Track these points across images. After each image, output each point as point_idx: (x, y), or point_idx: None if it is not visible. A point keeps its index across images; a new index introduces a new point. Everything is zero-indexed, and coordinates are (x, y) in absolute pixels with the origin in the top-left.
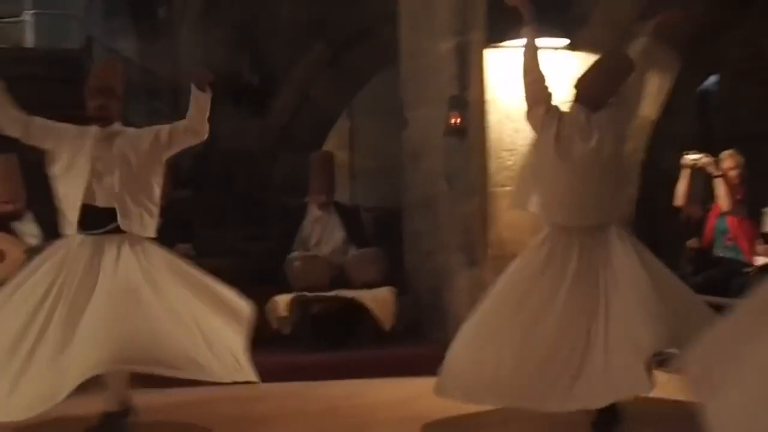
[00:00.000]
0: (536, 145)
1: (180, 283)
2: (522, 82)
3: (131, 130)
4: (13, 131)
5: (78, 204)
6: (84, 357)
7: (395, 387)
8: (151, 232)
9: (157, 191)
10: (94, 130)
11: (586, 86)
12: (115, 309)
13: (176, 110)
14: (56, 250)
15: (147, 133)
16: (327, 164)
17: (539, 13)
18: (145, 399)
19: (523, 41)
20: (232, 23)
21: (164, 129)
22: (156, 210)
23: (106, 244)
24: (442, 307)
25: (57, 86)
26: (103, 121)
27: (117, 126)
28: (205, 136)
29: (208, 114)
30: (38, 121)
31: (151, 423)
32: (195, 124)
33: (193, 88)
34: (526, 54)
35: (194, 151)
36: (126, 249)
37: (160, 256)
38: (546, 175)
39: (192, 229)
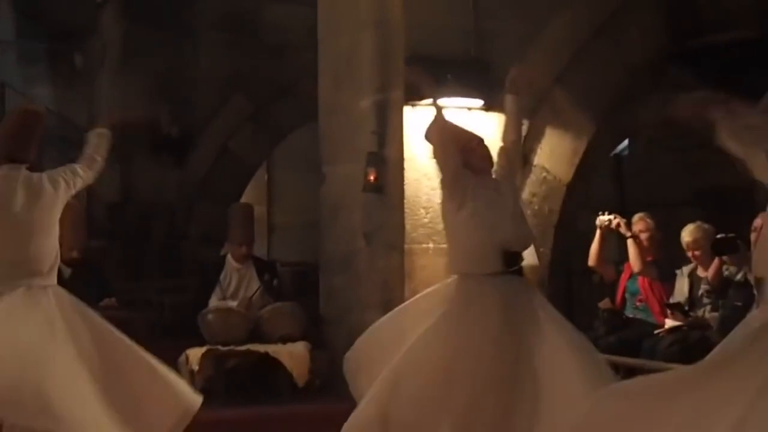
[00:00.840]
0: None
1: None
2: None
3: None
4: None
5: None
6: None
7: None
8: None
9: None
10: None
11: None
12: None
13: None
14: None
15: (52, 181)
16: (246, 216)
17: (457, 72)
18: None
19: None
20: (151, 73)
21: (62, 176)
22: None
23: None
24: None
25: None
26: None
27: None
28: (91, 178)
29: (102, 155)
30: None
31: None
32: (87, 163)
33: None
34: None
35: (109, 200)
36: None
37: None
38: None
39: (105, 280)
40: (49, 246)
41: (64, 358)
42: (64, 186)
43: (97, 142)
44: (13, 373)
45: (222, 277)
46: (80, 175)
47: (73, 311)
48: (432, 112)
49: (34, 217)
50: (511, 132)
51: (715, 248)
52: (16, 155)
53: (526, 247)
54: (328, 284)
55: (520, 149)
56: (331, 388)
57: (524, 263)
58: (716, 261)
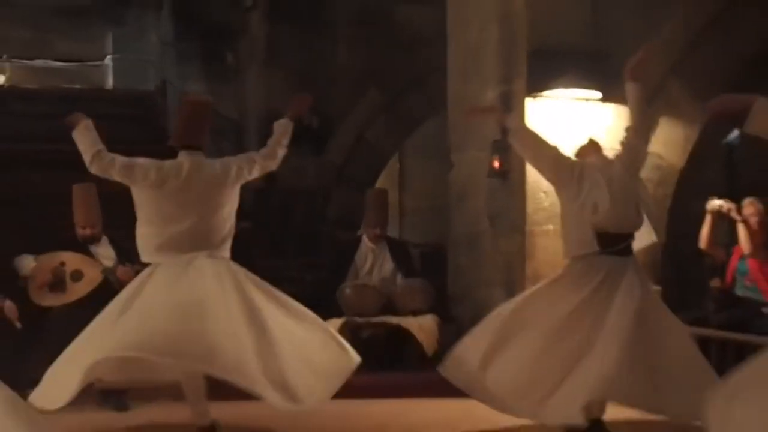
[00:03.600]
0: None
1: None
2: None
3: (214, 161)
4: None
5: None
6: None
7: (439, 407)
8: (226, 253)
9: (231, 217)
10: (185, 159)
11: None
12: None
13: (239, 149)
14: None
15: (224, 165)
16: (381, 200)
17: (575, 64)
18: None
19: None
20: (294, 68)
21: (236, 162)
22: (228, 234)
23: (194, 261)
24: None
25: (133, 124)
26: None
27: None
28: (276, 164)
29: (286, 144)
30: (135, 163)
31: None
32: (271, 151)
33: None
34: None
35: (255, 186)
36: (207, 265)
37: (241, 272)
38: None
39: (252, 258)
40: (219, 221)
41: (228, 313)
42: (235, 171)
43: (282, 133)
44: (180, 326)
45: (357, 256)
46: (258, 162)
47: (245, 276)
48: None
49: (205, 196)
50: (631, 118)
51: None
52: (191, 142)
53: (627, 229)
54: (455, 263)
55: (641, 135)
56: None
57: (642, 244)
58: None
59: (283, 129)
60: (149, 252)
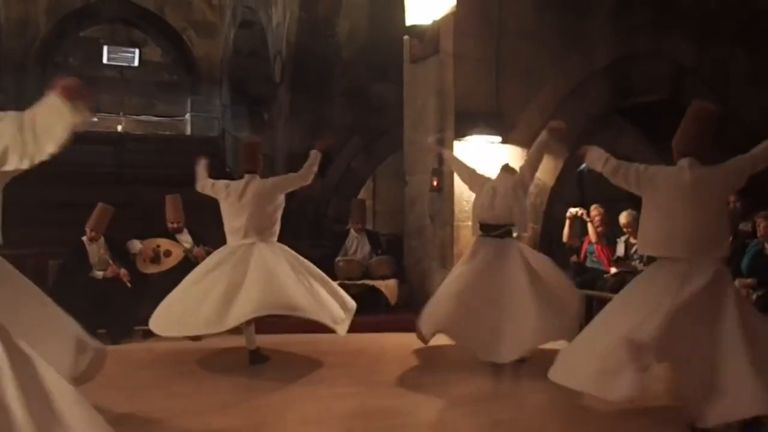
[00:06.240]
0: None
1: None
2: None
3: (266, 179)
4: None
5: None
6: (245, 305)
7: (399, 337)
8: (274, 237)
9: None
10: (246, 179)
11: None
12: (261, 278)
13: (272, 174)
14: (228, 251)
15: (272, 182)
16: (361, 206)
17: (484, 120)
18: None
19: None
20: (306, 123)
21: (280, 180)
22: (275, 227)
23: (254, 247)
24: (425, 292)
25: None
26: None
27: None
28: (309, 181)
29: (316, 167)
30: (217, 183)
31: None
32: (306, 172)
33: (314, 152)
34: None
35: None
36: (263, 247)
37: (284, 250)
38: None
39: (281, 240)
40: (266, 218)
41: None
42: (278, 186)
43: (314, 160)
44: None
45: (347, 241)
46: (296, 180)
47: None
48: (470, 145)
49: (255, 202)
50: (527, 156)
51: None
52: (251, 168)
53: (500, 221)
54: (408, 245)
55: (532, 165)
56: (409, 306)
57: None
58: None
59: (314, 157)
60: (228, 236)
